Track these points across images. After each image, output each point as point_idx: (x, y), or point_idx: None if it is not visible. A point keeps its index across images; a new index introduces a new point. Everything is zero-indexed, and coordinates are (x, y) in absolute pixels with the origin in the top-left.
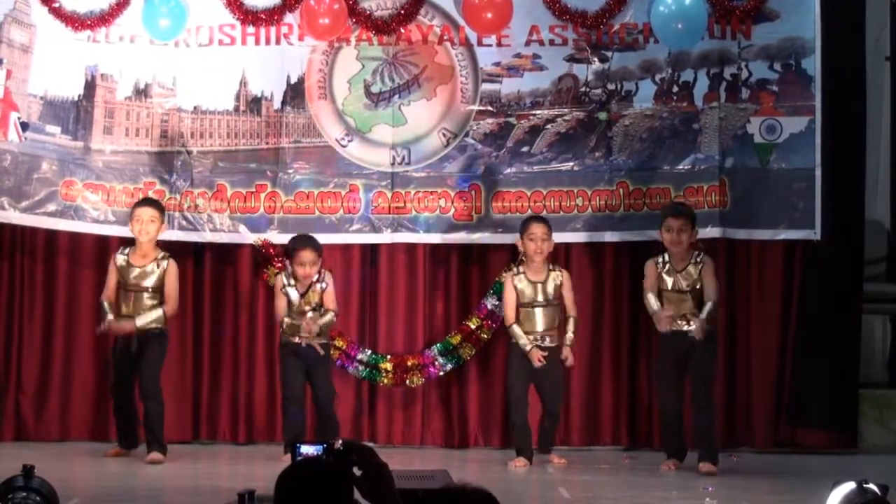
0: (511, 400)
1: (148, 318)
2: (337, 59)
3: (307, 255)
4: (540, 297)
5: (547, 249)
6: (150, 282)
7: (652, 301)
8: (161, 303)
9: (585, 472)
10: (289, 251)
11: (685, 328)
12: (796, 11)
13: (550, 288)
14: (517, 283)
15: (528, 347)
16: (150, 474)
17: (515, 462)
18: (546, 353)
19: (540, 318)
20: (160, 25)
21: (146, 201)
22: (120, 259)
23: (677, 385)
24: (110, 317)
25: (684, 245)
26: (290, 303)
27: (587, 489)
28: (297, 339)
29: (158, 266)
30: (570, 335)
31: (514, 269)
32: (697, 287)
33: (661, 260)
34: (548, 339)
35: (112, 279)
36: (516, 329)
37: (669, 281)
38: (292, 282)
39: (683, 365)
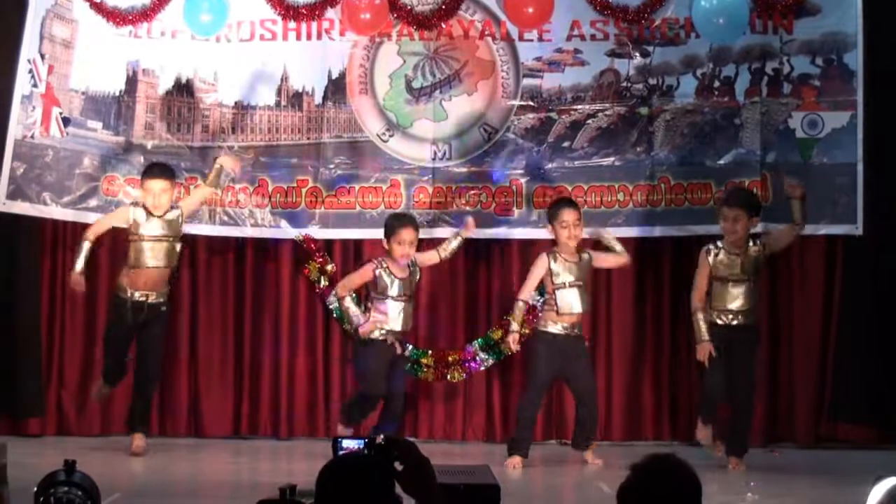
0: (532, 386)
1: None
2: (378, 54)
3: (408, 233)
4: (573, 278)
5: (580, 234)
6: (171, 230)
7: (702, 325)
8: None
9: (623, 467)
10: (388, 229)
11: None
12: (838, 6)
13: (584, 269)
14: (552, 263)
15: (514, 326)
16: (191, 469)
17: (514, 461)
18: (574, 341)
19: (577, 300)
20: (202, 21)
21: (157, 170)
22: (133, 211)
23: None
24: (78, 268)
25: (739, 234)
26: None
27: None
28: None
29: (173, 215)
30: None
31: (550, 251)
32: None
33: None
34: (577, 328)
35: (107, 223)
36: (521, 307)
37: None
38: (387, 269)
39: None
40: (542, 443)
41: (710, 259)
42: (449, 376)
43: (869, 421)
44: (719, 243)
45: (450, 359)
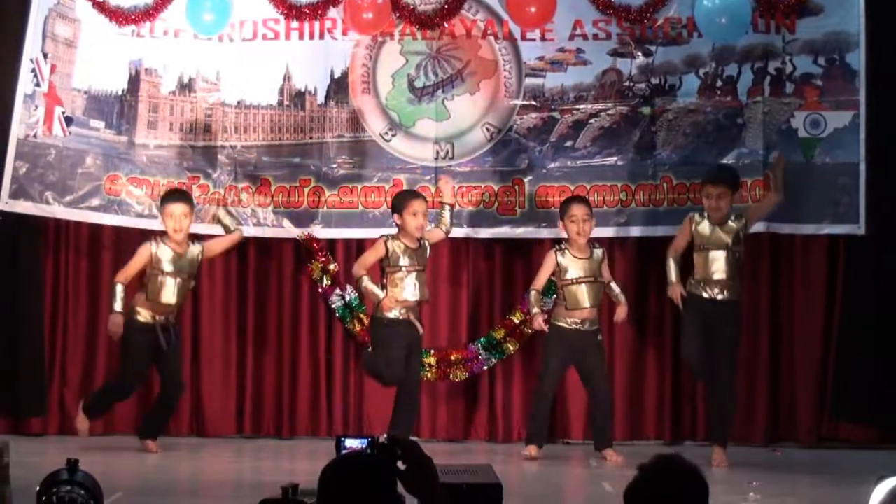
0: (544, 377)
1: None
2: (380, 53)
3: (420, 204)
4: (581, 274)
5: (589, 230)
6: (191, 268)
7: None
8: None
9: (629, 467)
10: (397, 204)
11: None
12: (841, 6)
13: (595, 265)
14: (560, 259)
15: (534, 310)
16: (193, 468)
17: (529, 450)
18: (587, 336)
19: (585, 296)
20: (204, 20)
21: (178, 195)
22: (156, 247)
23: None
24: (118, 309)
25: (723, 212)
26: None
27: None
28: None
29: (193, 252)
30: (620, 293)
31: (558, 246)
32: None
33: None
34: (588, 323)
35: (137, 266)
36: (534, 294)
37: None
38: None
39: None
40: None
41: (693, 227)
42: (451, 376)
43: (871, 421)
44: (703, 213)
45: (452, 358)
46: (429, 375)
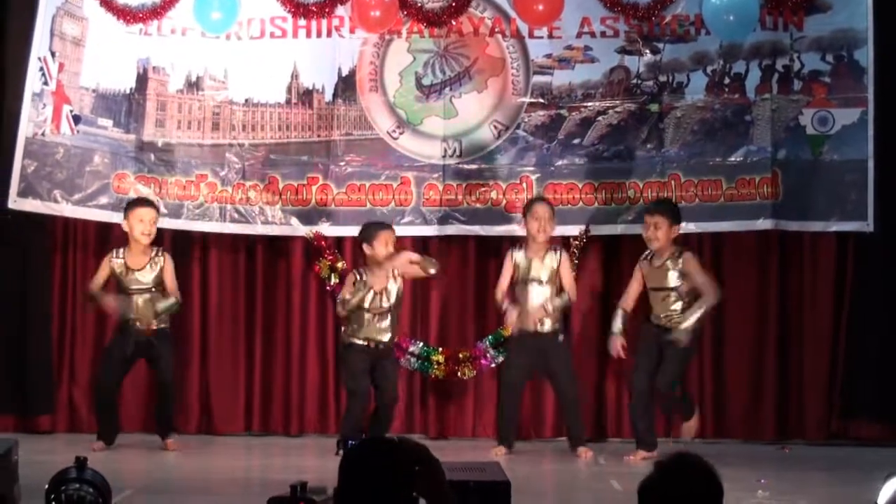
0: (505, 380)
1: (167, 303)
2: (388, 51)
3: (389, 235)
4: (533, 275)
5: (550, 231)
6: (150, 280)
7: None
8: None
9: (637, 465)
10: (368, 237)
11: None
12: (848, 3)
13: (550, 267)
14: (516, 258)
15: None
16: (202, 466)
17: (497, 450)
18: (543, 338)
19: (536, 296)
20: (212, 18)
21: (145, 201)
22: (116, 263)
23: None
24: (109, 298)
25: (661, 242)
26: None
27: (639, 481)
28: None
29: (156, 264)
30: (557, 301)
31: (517, 246)
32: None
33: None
34: (547, 322)
35: (103, 275)
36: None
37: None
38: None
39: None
40: (552, 440)
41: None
42: (459, 373)
43: (880, 418)
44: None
45: (460, 356)
46: (437, 373)
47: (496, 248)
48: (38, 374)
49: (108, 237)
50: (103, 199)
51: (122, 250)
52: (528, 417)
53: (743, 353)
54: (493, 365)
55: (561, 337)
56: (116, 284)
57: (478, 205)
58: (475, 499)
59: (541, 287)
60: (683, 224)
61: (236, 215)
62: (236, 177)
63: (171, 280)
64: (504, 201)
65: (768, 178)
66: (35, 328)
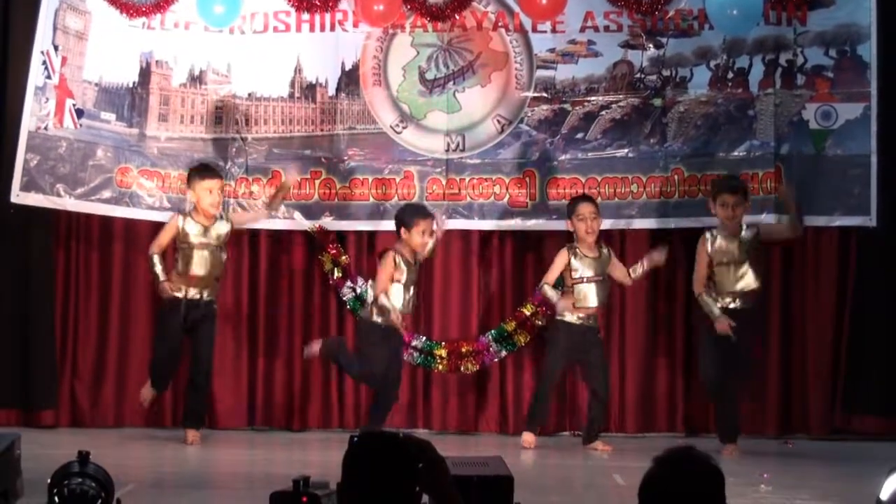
0: (548, 369)
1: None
2: (391, 45)
3: (428, 224)
4: (591, 273)
5: (597, 227)
6: (219, 241)
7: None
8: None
9: (640, 459)
10: (406, 223)
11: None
12: None
13: (604, 265)
14: (572, 259)
15: (553, 295)
16: (205, 461)
17: (526, 437)
18: (591, 332)
19: (594, 294)
20: (215, 12)
21: (211, 171)
22: (183, 222)
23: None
24: (161, 277)
25: (738, 220)
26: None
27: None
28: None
29: (222, 227)
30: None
31: (570, 246)
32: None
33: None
34: (593, 319)
35: (167, 237)
36: (545, 287)
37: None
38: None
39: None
40: (555, 434)
41: (709, 246)
42: (462, 368)
43: (883, 412)
44: (714, 231)
45: (463, 350)
46: (440, 367)
47: (499, 243)
48: (41, 369)
49: (111, 231)
50: (106, 193)
51: (188, 212)
52: (525, 412)
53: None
54: (496, 360)
55: (601, 334)
56: (177, 241)
57: (481, 199)
58: (478, 493)
59: (600, 284)
60: (687, 218)
61: (239, 209)
62: (239, 171)
63: (244, 216)
64: (507, 196)
65: (771, 173)
66: (38, 322)
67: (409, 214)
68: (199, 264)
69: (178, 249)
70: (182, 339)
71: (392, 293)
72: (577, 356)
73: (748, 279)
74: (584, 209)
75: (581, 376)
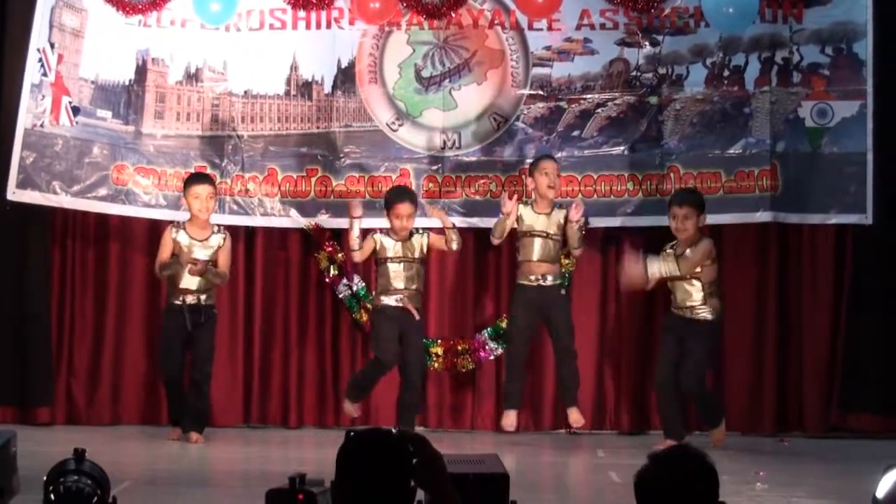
0: (510, 335)
1: (219, 272)
2: (388, 43)
3: (405, 207)
4: (538, 228)
5: (558, 188)
6: (207, 255)
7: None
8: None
9: (636, 457)
10: (387, 203)
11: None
12: None
13: (553, 222)
14: (521, 211)
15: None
16: (201, 458)
17: (508, 417)
18: (549, 290)
19: (538, 249)
20: (211, 9)
21: (202, 177)
22: (176, 233)
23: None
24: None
25: (690, 232)
26: (385, 259)
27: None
28: (392, 302)
29: (214, 240)
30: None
31: (524, 200)
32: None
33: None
34: (549, 277)
35: (167, 251)
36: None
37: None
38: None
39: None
40: (550, 432)
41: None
42: (458, 365)
43: (879, 410)
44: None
45: (459, 348)
46: (435, 365)
47: None
48: (37, 366)
49: (107, 228)
50: (102, 191)
51: (182, 223)
52: (525, 410)
53: (742, 346)
54: (491, 357)
55: (563, 290)
56: (174, 252)
57: (477, 197)
58: (474, 491)
59: (544, 241)
60: None
61: (235, 207)
62: (235, 168)
63: (225, 258)
64: (503, 193)
65: (767, 171)
66: (34, 320)
67: (389, 195)
68: (189, 279)
69: (171, 262)
70: (186, 349)
71: (390, 273)
72: (540, 318)
73: (695, 296)
74: (548, 164)
75: (551, 339)
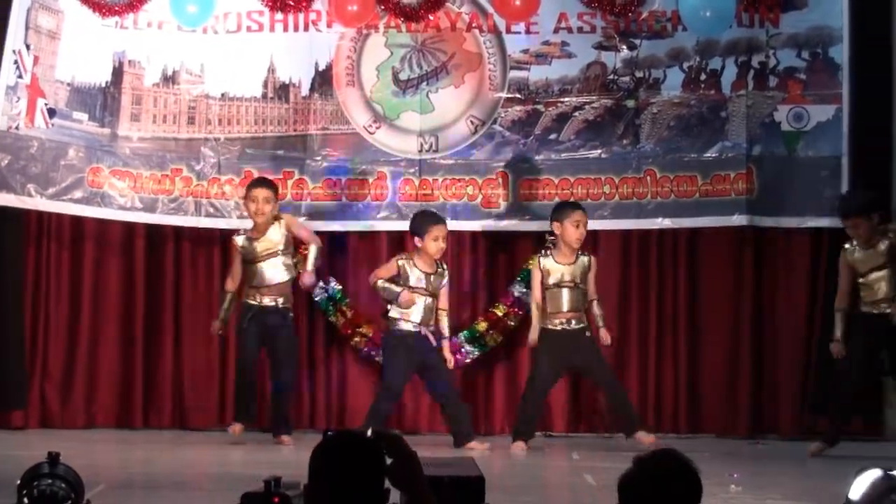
0: (535, 378)
1: (312, 254)
2: (365, 46)
3: (441, 230)
4: (567, 279)
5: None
6: (279, 244)
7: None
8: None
9: (610, 460)
10: (419, 230)
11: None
12: (824, 0)
13: (579, 271)
14: (545, 264)
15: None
16: (176, 461)
17: (517, 446)
18: (575, 335)
19: (566, 300)
20: (188, 12)
21: (261, 181)
22: (240, 240)
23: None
24: (221, 316)
25: (864, 237)
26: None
27: (613, 476)
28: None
29: (279, 227)
30: (601, 314)
31: (543, 252)
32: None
33: None
34: (574, 321)
35: (237, 265)
36: (534, 308)
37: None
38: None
39: None
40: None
41: (849, 257)
42: None
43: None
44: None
45: None
46: None
47: (472, 243)
48: (11, 369)
49: (83, 231)
50: (77, 193)
51: (245, 230)
52: (501, 413)
53: (717, 349)
54: (467, 360)
55: (589, 332)
56: (243, 258)
57: (454, 200)
58: (449, 494)
59: (573, 291)
60: (659, 219)
61: (211, 209)
62: (212, 171)
63: (299, 229)
64: (480, 197)
65: (743, 174)
66: (8, 323)
67: (420, 222)
68: (264, 276)
69: (244, 266)
70: (258, 354)
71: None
72: (566, 363)
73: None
74: (581, 216)
75: (586, 379)
